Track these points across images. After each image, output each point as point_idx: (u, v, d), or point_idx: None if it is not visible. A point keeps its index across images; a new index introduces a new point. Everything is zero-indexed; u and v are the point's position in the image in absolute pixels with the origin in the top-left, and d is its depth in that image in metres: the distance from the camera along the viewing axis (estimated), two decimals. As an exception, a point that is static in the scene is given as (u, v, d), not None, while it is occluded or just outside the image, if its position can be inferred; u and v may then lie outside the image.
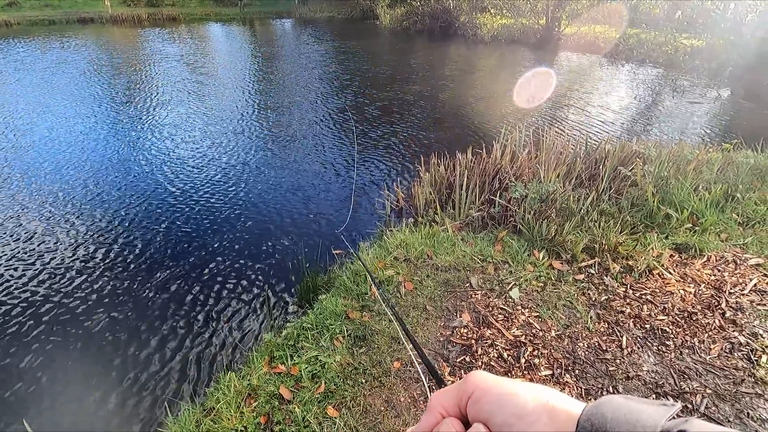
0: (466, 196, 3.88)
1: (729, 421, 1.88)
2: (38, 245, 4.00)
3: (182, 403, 2.34)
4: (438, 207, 3.93)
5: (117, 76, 11.04)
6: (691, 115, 8.24)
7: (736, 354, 2.22)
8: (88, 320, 3.14)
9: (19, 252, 3.91)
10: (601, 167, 4.19)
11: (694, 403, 1.97)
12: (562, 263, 2.99)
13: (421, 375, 2.18)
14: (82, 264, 3.75)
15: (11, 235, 4.14)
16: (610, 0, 15.93)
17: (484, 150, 4.64)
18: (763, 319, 2.42)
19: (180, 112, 8.07)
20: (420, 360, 2.26)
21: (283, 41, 19.29)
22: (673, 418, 0.28)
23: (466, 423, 0.35)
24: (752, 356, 2.19)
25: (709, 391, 2.02)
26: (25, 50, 14.47)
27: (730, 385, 2.05)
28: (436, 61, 13.99)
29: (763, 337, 2.29)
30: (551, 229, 3.18)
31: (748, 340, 2.28)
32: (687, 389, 2.04)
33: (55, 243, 4.04)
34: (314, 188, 5.19)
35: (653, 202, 3.53)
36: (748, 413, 1.91)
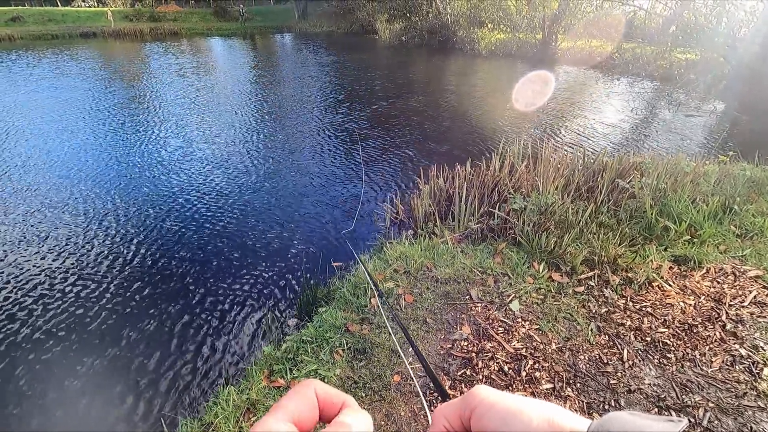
0: (466, 208, 3.89)
1: (732, 435, 1.86)
2: (32, 260, 3.99)
3: (180, 417, 2.31)
4: (437, 219, 3.94)
5: (121, 89, 11.14)
6: (687, 128, 8.32)
7: (737, 367, 2.21)
8: (83, 331, 3.12)
9: (13, 263, 3.90)
10: (599, 179, 4.21)
11: (696, 417, 1.96)
12: (561, 275, 2.99)
13: (419, 389, 2.17)
14: (79, 275, 3.74)
15: (10, 242, 4.14)
16: (605, 15, 16.21)
17: (483, 162, 4.68)
18: (763, 332, 2.41)
19: (185, 125, 8.13)
20: (424, 372, 2.25)
21: (284, 55, 19.53)
22: None
23: None
24: (754, 369, 2.18)
25: (711, 404, 2.01)
26: (28, 63, 14.62)
27: (732, 398, 2.03)
28: (434, 75, 14.17)
29: (764, 350, 2.28)
30: (550, 241, 3.19)
31: (749, 353, 2.27)
32: (689, 403, 2.02)
33: (51, 258, 4.03)
34: (314, 200, 5.21)
35: (651, 214, 3.54)
36: (751, 427, 1.89)
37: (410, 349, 2.27)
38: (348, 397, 0.35)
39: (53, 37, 22.55)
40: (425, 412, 2.05)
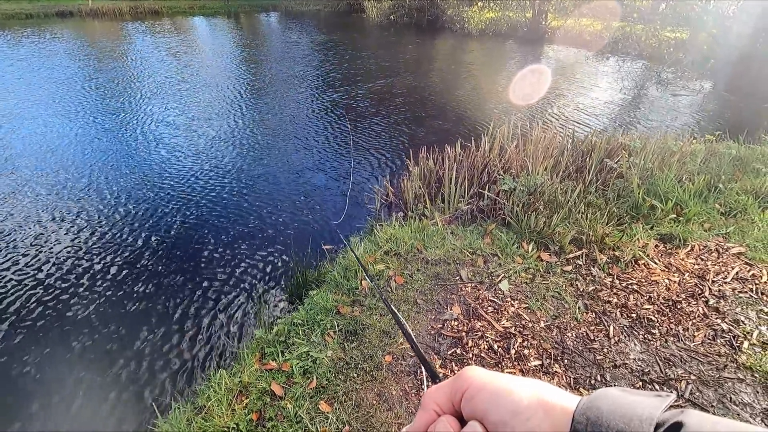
0: (455, 190, 3.89)
1: (712, 405, 1.93)
2: (30, 243, 3.91)
3: (173, 401, 2.31)
4: (427, 201, 3.94)
5: (115, 69, 10.79)
6: (675, 107, 8.37)
7: (719, 341, 2.27)
8: (73, 318, 3.09)
9: (14, 251, 3.82)
10: (587, 159, 4.23)
11: (678, 389, 2.02)
12: (550, 255, 3.03)
13: (422, 368, 2.19)
14: (69, 259, 3.68)
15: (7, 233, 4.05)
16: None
17: (473, 143, 4.66)
18: (744, 306, 2.48)
19: (170, 109, 7.92)
20: (414, 353, 2.28)
21: (270, 35, 19.04)
22: (669, 408, 0.29)
23: (461, 419, 0.35)
24: (734, 342, 2.24)
25: (693, 377, 2.07)
26: (9, 44, 14.05)
27: (713, 371, 2.10)
28: (423, 55, 13.96)
29: (745, 324, 2.35)
30: (539, 222, 3.21)
31: (731, 327, 2.34)
32: (672, 376, 2.08)
33: (41, 240, 3.95)
34: (303, 183, 5.16)
35: (638, 193, 3.58)
36: (730, 398, 1.96)
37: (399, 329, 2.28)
38: None
39: (28, 17, 21.57)
40: (419, 388, 2.08)
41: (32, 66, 11.04)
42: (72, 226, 4.21)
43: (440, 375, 0.42)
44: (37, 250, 3.84)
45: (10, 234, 4.08)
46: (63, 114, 7.50)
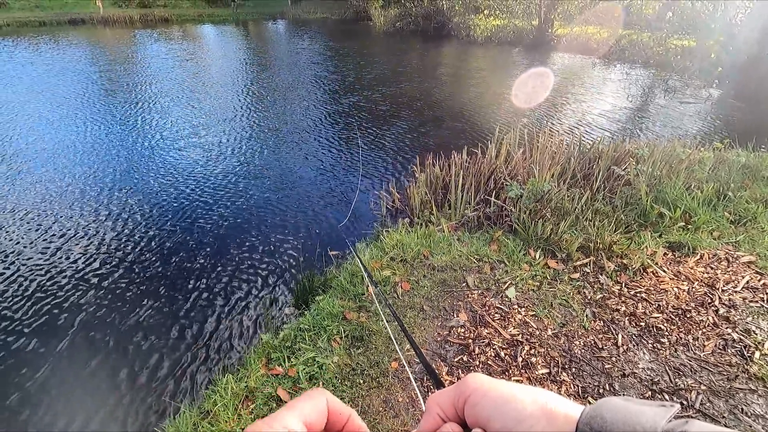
0: (462, 196, 3.89)
1: (723, 417, 1.90)
2: (35, 252, 3.96)
3: (179, 405, 2.32)
4: (434, 207, 3.94)
5: (112, 79, 10.96)
6: (683, 114, 8.33)
7: (729, 350, 2.24)
8: (80, 322, 3.11)
9: (21, 255, 3.87)
10: (594, 167, 4.21)
11: (689, 399, 1.99)
12: (557, 262, 3.01)
13: (411, 378, 2.18)
14: (76, 264, 3.72)
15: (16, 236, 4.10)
16: (602, 0, 16.06)
17: (479, 150, 4.66)
18: (755, 316, 2.45)
19: (179, 115, 8.03)
20: (418, 360, 2.27)
21: (278, 43, 19.26)
22: (673, 419, 0.29)
23: (464, 425, 0.35)
24: (745, 352, 2.21)
25: (703, 387, 2.04)
26: (30, 51, 14.33)
27: (724, 381, 2.07)
28: (430, 63, 14.04)
29: (756, 334, 2.32)
30: (546, 229, 3.20)
31: (741, 337, 2.31)
32: (682, 386, 2.06)
33: (47, 243, 4.00)
34: (312, 188, 5.18)
35: (647, 201, 3.56)
36: (742, 409, 1.93)
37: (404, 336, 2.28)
38: (353, 411, 0.36)
39: (41, 24, 21.99)
40: (420, 399, 2.07)
41: (56, 71, 11.42)
42: (68, 235, 4.26)
43: (444, 381, 0.42)
44: (33, 260, 3.89)
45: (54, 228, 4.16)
46: (95, 116, 7.81)
